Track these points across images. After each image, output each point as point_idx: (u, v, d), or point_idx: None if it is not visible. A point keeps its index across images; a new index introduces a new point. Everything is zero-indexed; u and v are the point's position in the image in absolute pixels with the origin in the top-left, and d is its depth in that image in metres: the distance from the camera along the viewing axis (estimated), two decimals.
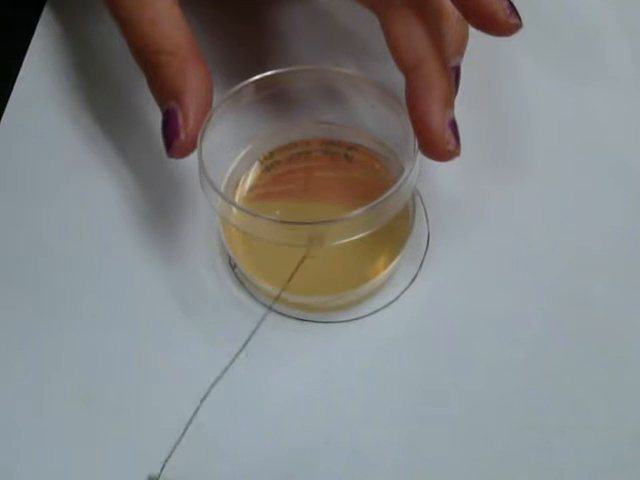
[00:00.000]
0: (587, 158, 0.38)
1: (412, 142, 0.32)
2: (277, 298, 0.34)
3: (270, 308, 0.34)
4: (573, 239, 0.36)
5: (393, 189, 0.31)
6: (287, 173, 0.37)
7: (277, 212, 0.35)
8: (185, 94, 0.32)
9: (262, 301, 0.35)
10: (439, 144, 0.32)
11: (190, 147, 0.32)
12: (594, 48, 0.41)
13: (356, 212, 0.31)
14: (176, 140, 0.32)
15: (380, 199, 0.31)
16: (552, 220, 0.37)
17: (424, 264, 0.36)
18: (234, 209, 0.32)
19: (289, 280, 0.33)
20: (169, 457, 0.32)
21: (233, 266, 0.36)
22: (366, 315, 0.35)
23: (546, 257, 0.36)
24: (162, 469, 0.32)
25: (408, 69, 0.33)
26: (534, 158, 0.38)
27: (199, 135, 0.32)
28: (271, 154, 0.37)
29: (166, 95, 0.33)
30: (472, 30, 0.34)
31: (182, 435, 0.32)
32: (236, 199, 0.36)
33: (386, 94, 0.34)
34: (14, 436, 0.33)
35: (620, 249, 0.36)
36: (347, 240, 0.31)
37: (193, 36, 0.33)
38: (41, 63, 0.41)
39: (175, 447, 0.32)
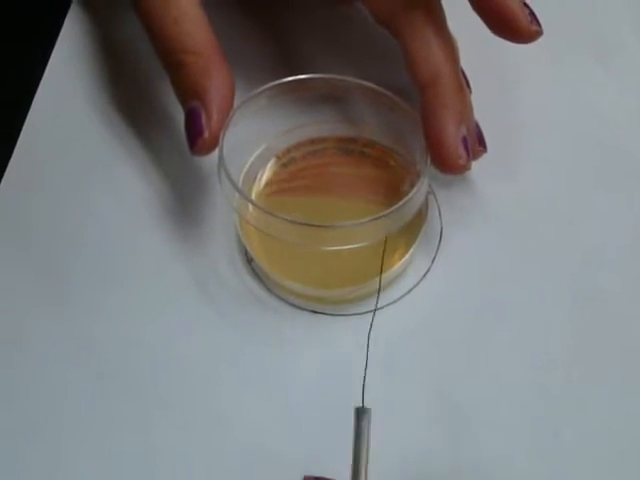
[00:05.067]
0: (599, 156, 0.39)
1: (424, 154, 0.33)
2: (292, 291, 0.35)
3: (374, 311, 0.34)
4: (585, 234, 0.37)
5: (407, 198, 0.32)
6: (303, 169, 0.37)
7: (295, 213, 0.35)
8: (208, 93, 0.33)
9: (277, 293, 0.36)
10: (451, 160, 0.33)
11: (213, 145, 0.33)
12: (602, 49, 0.42)
13: (367, 219, 0.31)
14: (199, 139, 0.33)
15: (394, 207, 0.32)
16: (564, 215, 0.37)
17: (437, 258, 0.37)
18: (250, 206, 0.33)
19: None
20: None
21: (249, 260, 0.37)
22: (379, 308, 0.35)
23: (557, 251, 0.36)
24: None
25: (424, 86, 0.34)
26: (546, 154, 0.39)
27: (221, 134, 0.33)
28: (288, 150, 0.38)
29: (190, 94, 0.33)
30: (473, 39, 0.34)
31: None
32: (252, 194, 0.37)
33: (401, 105, 0.35)
34: (31, 423, 0.34)
35: (632, 243, 0.37)
36: (358, 245, 0.32)
37: (216, 36, 0.34)
38: (67, 61, 0.42)
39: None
